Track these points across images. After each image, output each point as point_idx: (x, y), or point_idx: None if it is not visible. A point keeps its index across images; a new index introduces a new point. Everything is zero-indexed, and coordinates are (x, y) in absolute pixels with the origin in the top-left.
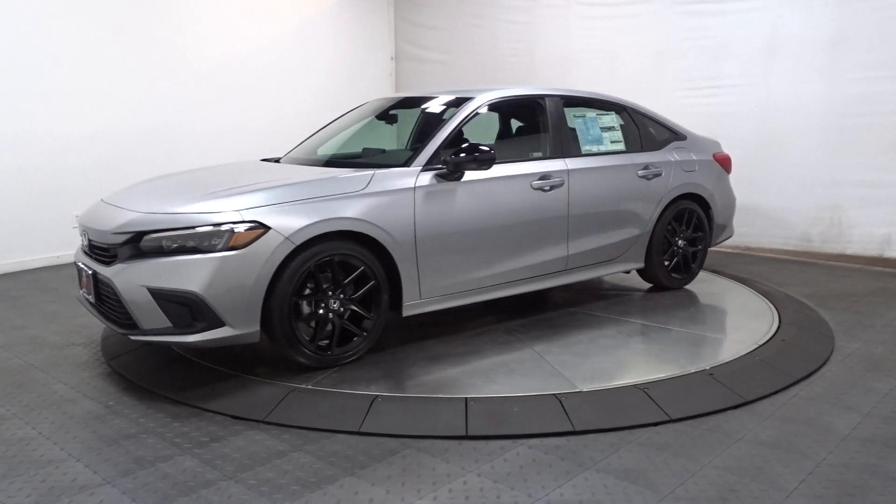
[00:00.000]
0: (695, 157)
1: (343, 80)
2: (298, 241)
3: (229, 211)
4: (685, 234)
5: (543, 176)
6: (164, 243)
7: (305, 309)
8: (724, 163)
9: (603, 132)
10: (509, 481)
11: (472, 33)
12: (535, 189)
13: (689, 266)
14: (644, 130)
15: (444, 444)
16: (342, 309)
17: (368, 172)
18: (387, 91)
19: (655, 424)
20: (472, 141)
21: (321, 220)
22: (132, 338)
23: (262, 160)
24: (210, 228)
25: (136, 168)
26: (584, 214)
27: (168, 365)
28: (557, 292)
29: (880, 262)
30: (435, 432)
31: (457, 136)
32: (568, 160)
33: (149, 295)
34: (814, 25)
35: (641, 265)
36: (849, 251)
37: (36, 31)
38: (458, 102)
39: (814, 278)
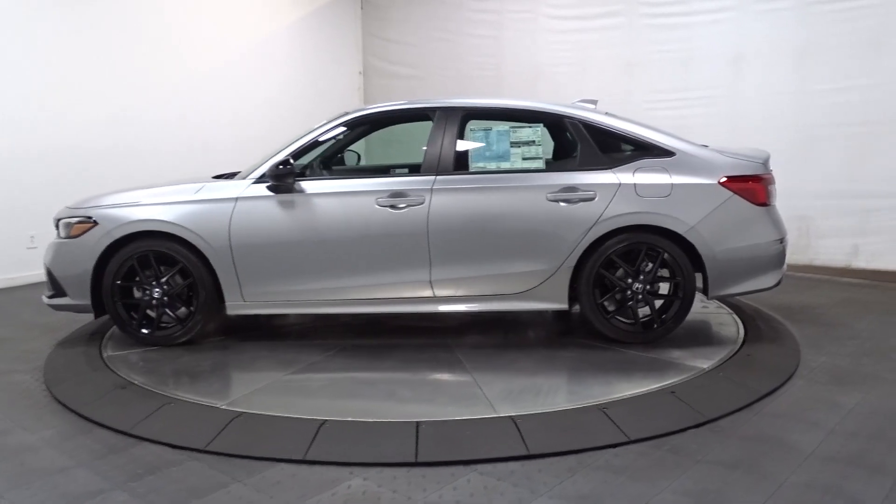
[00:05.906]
0: (672, 181)
1: (311, 95)
2: (117, 236)
3: (83, 208)
4: (644, 277)
5: (397, 194)
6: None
7: (136, 293)
8: (747, 190)
9: (515, 147)
10: None
11: (441, 48)
12: (381, 207)
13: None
14: (586, 145)
15: (392, 471)
16: (165, 298)
17: (200, 183)
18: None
19: (614, 446)
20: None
21: (134, 221)
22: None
23: (214, 177)
24: (66, 220)
25: (93, 187)
26: (453, 239)
27: (111, 392)
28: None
29: (847, 273)
30: (383, 459)
31: (339, 149)
32: (439, 178)
33: (44, 265)
34: (780, 36)
35: (564, 307)
36: (816, 262)
37: None
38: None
39: (781, 290)
